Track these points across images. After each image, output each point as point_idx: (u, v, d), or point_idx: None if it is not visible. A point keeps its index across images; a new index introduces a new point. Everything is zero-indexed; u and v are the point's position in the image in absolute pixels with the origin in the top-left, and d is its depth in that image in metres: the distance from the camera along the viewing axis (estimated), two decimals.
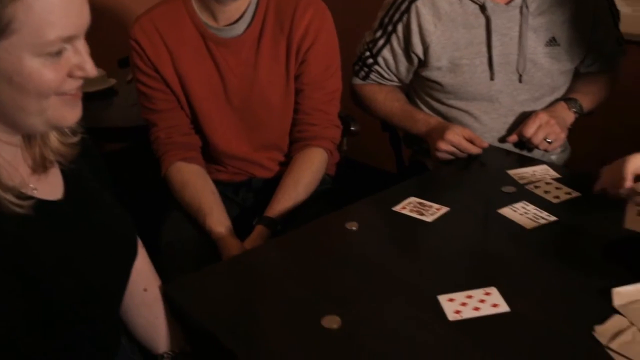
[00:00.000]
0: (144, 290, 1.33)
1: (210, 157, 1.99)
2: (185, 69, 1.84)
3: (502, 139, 2.00)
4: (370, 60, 2.04)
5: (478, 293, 1.25)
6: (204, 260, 1.56)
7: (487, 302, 1.22)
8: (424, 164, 2.10)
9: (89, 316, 1.14)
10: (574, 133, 2.24)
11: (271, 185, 2.01)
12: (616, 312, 1.18)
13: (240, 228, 1.83)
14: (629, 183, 1.29)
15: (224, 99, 1.88)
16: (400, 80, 2.09)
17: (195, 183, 1.87)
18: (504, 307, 1.21)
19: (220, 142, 1.94)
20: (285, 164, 2.02)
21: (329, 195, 2.00)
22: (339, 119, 2.00)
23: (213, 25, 1.83)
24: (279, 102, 1.91)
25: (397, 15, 1.95)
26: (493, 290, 1.25)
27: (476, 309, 1.21)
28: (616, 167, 1.34)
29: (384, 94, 2.09)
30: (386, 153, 2.45)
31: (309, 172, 1.90)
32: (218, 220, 1.80)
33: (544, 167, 1.77)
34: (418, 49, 1.94)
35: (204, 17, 1.83)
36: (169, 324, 1.33)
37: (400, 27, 1.95)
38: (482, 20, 1.90)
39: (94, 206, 1.17)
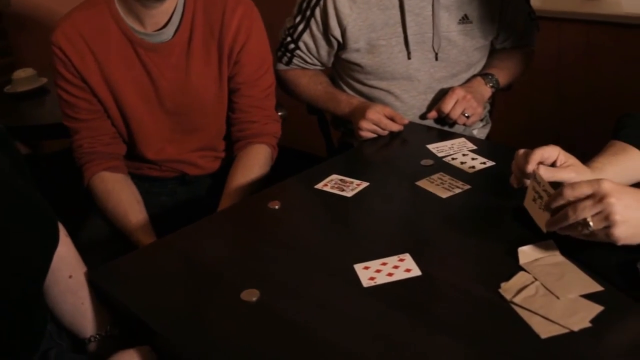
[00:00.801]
0: (69, 277, 1.34)
1: (141, 158, 1.97)
2: (115, 76, 1.80)
3: (423, 116, 2.06)
4: (292, 46, 2.08)
5: (392, 260, 1.30)
6: None
7: (401, 267, 1.27)
8: (352, 144, 2.14)
9: (12, 300, 1.15)
10: (497, 108, 2.31)
11: (205, 179, 2.05)
12: (522, 269, 1.24)
13: (173, 221, 1.81)
14: (530, 167, 1.35)
15: (156, 104, 1.86)
16: (322, 63, 2.14)
17: (120, 193, 1.85)
18: (416, 272, 1.26)
19: (152, 149, 1.92)
20: (219, 160, 2.04)
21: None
22: (276, 113, 2.02)
23: (140, 30, 1.78)
24: (212, 103, 1.91)
25: (314, 0, 1.98)
26: (407, 257, 1.30)
27: (390, 274, 1.25)
28: (524, 154, 1.39)
29: (307, 78, 2.13)
30: (316, 137, 2.49)
31: (257, 167, 1.89)
32: (144, 232, 1.80)
33: (462, 140, 1.83)
34: (336, 32, 1.98)
35: (131, 22, 1.78)
36: (95, 308, 1.35)
37: (317, 12, 1.99)
38: (396, 1, 1.95)
39: (11, 193, 1.18)
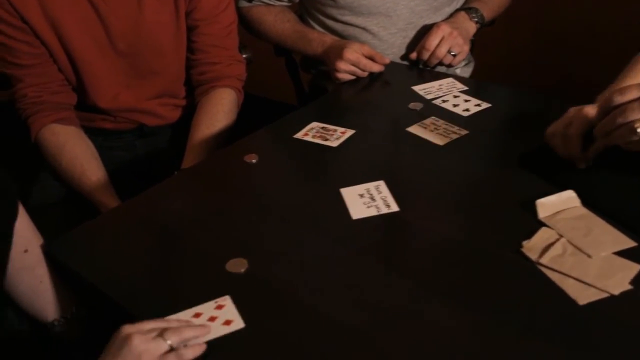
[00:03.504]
0: (24, 252, 1.16)
1: (93, 108, 1.77)
2: (58, 15, 1.58)
3: (404, 56, 1.91)
4: None
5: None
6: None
7: None
8: (325, 88, 1.97)
9: None
10: (477, 44, 2.16)
11: (165, 130, 1.87)
12: (542, 224, 1.11)
13: (133, 178, 1.67)
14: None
15: (107, 45, 1.66)
16: None
17: (74, 147, 1.66)
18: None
19: (104, 97, 1.72)
20: (180, 108, 1.86)
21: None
22: (240, 53, 1.84)
23: None
24: (170, 43, 1.72)
25: None
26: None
27: None
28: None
29: (273, 16, 1.95)
30: (282, 81, 2.31)
31: (221, 114, 1.72)
32: (105, 192, 1.62)
33: (450, 80, 1.68)
34: None
35: None
36: (56, 287, 1.18)
37: None
38: None
39: None
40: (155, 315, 0.96)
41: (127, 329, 0.89)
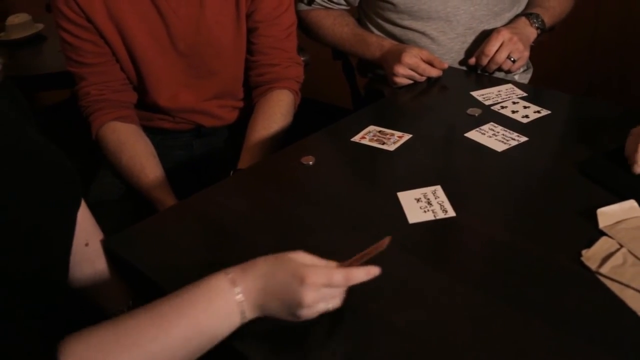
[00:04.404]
0: (85, 245, 1.18)
1: (152, 107, 1.80)
2: (122, 15, 1.61)
3: (462, 62, 1.89)
4: None
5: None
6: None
7: None
8: (381, 92, 1.97)
9: (36, 277, 0.99)
10: (534, 51, 2.14)
11: (222, 131, 1.88)
12: (602, 234, 1.09)
13: (189, 177, 1.70)
14: None
15: (168, 45, 1.68)
16: (348, 2, 1.95)
17: (135, 144, 1.68)
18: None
19: (164, 96, 1.75)
20: (237, 110, 1.87)
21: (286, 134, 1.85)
22: (298, 56, 1.84)
23: None
24: (230, 44, 1.73)
25: None
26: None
27: None
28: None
29: (331, 19, 1.95)
30: (337, 86, 2.32)
31: (278, 116, 1.72)
32: (163, 189, 1.64)
33: (509, 86, 1.67)
34: None
35: None
36: (115, 281, 1.20)
37: None
38: None
39: (26, 146, 1.00)
40: None
41: (307, 276, 0.91)
